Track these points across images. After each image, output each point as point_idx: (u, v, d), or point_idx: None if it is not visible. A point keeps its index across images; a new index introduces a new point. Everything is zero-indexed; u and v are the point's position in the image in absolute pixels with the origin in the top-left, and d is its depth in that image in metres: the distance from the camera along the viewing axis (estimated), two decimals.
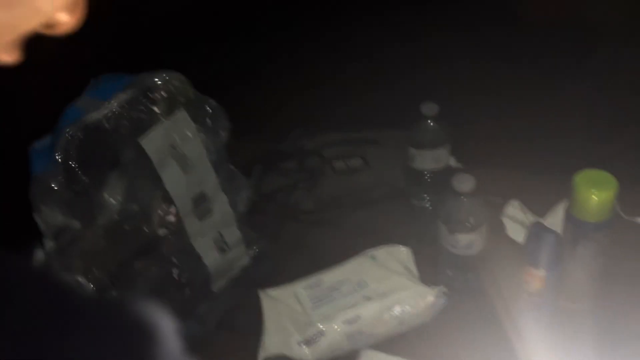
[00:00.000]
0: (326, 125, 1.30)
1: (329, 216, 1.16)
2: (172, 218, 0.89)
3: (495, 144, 1.32)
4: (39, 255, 0.82)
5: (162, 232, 0.89)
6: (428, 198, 1.13)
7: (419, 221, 1.12)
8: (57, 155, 0.77)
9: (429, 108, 1.08)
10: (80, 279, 0.81)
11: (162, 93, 0.85)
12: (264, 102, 1.69)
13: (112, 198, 0.84)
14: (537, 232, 0.79)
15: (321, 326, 0.88)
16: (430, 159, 1.10)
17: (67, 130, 0.78)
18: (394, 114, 1.25)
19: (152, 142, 0.85)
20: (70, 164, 0.77)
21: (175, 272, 0.91)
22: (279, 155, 1.24)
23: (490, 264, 0.98)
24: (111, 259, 0.86)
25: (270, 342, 0.88)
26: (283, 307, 0.92)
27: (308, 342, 0.87)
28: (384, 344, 0.91)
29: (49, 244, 0.79)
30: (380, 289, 0.92)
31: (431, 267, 1.00)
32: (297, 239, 1.13)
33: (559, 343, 0.88)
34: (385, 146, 1.26)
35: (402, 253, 1.02)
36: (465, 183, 0.89)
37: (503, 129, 1.35)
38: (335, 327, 0.88)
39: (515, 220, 1.08)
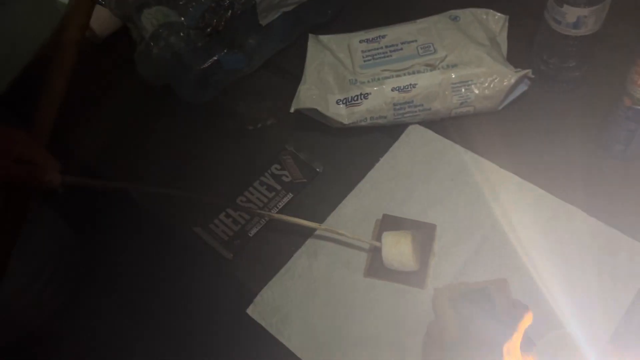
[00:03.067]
0: None
1: None
2: None
3: None
4: None
5: None
6: None
7: None
8: None
9: None
10: None
11: None
12: None
13: None
14: None
15: (366, 88, 0.75)
16: None
17: None
18: None
19: None
20: None
21: None
22: None
23: (601, 54, 0.76)
24: None
25: (306, 95, 0.77)
26: (330, 58, 0.79)
27: (347, 102, 0.75)
28: (437, 123, 0.77)
29: None
30: (449, 59, 0.75)
31: (528, 45, 0.80)
32: None
33: None
34: None
35: (495, 20, 0.82)
36: None
37: None
38: (382, 92, 0.74)
39: None
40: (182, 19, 0.79)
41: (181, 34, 0.78)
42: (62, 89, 0.79)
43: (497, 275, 0.66)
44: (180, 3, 0.76)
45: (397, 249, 0.65)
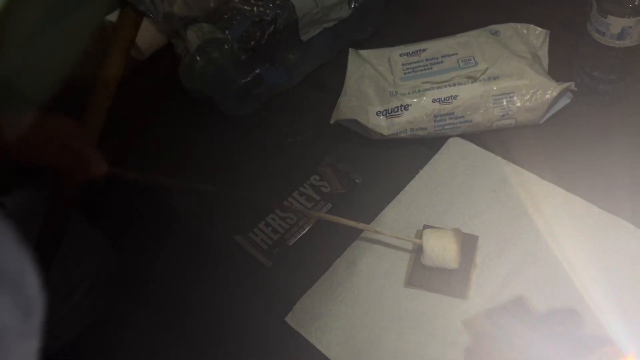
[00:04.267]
0: None
1: None
2: None
3: None
4: None
5: None
6: None
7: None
8: None
9: None
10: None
11: None
12: None
13: None
14: None
15: (407, 99, 0.75)
16: None
17: None
18: None
19: None
20: None
21: (260, 10, 0.80)
22: None
23: None
24: None
25: (347, 106, 0.77)
26: (370, 71, 0.80)
27: (387, 113, 0.75)
28: (478, 136, 0.77)
29: None
30: (491, 71, 0.75)
31: (568, 60, 0.79)
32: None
33: None
34: None
35: (536, 35, 0.82)
36: None
37: None
38: (423, 103, 0.75)
39: None
40: (227, 32, 0.81)
41: (225, 47, 0.80)
42: (107, 102, 0.81)
43: (541, 288, 0.64)
44: (226, 17, 0.78)
45: (439, 239, 0.64)
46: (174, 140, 0.87)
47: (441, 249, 0.65)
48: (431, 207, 0.72)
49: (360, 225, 0.68)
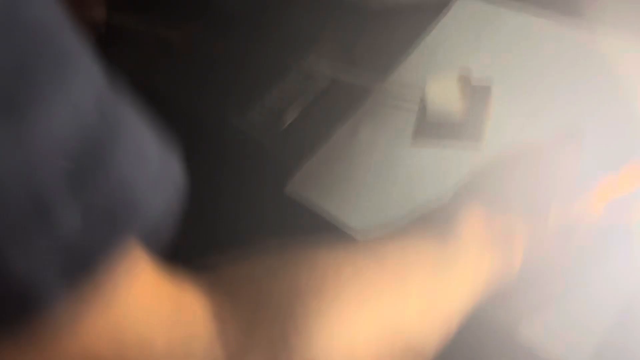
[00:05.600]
0: None
1: None
2: None
3: None
4: None
5: None
6: None
7: None
8: None
9: None
10: None
11: None
12: None
13: None
14: None
15: None
16: None
17: None
18: None
19: None
20: None
21: None
22: None
23: None
24: None
25: None
26: None
27: None
28: None
29: None
30: None
31: None
32: None
33: None
34: None
35: None
36: None
37: None
38: None
39: None
40: None
41: None
42: None
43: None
44: None
45: (441, 90, 0.59)
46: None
47: (444, 99, 0.60)
48: (438, 66, 0.66)
49: (364, 80, 0.63)
